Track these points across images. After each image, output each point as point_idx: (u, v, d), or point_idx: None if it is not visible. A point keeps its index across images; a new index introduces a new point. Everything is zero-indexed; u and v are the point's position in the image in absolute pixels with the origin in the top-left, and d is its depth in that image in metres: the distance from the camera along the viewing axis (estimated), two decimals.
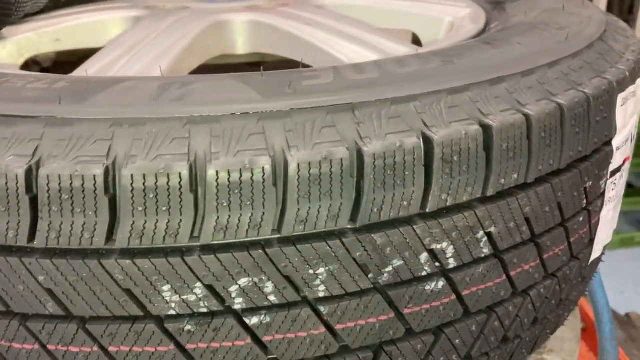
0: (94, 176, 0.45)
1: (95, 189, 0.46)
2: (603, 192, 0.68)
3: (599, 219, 0.70)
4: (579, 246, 0.68)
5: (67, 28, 0.86)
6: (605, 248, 0.79)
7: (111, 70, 0.69)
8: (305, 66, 0.70)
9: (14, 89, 0.53)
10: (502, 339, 0.65)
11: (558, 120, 0.57)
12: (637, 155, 3.61)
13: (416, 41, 1.06)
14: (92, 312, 0.49)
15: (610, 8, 4.46)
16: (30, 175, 0.46)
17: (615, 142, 0.67)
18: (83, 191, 0.46)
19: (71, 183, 0.46)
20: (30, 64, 1.01)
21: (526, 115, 0.55)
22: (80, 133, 0.48)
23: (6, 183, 0.46)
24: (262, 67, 0.57)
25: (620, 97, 0.65)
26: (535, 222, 0.59)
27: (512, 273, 0.60)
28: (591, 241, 0.71)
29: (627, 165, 0.75)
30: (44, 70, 1.09)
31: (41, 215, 0.46)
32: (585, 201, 0.65)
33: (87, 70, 0.68)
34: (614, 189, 0.72)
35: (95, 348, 0.51)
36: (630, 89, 0.68)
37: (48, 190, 0.46)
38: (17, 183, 0.46)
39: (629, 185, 3.81)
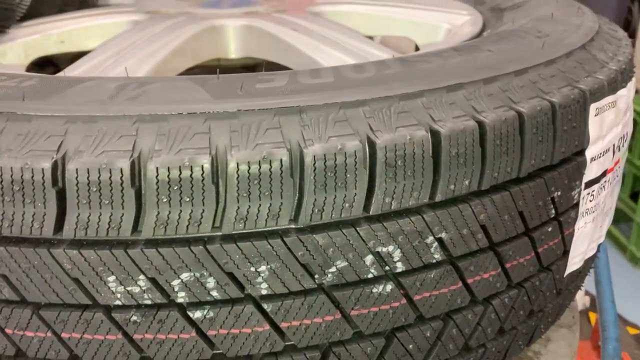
0: (42, 170, 0.48)
1: (44, 182, 0.48)
2: (577, 203, 0.67)
3: (573, 231, 0.69)
4: (549, 257, 0.67)
5: (72, 31, 0.91)
6: (588, 261, 0.77)
7: (95, 72, 0.72)
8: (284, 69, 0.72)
9: None
10: (464, 347, 0.64)
11: (517, 128, 0.57)
12: None
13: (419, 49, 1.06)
14: (44, 299, 0.52)
15: None
16: None
17: (589, 153, 0.66)
18: (33, 184, 0.48)
19: (22, 175, 0.48)
20: (46, 65, 1.06)
21: (480, 122, 0.55)
22: (37, 129, 0.51)
23: None
24: (218, 70, 0.59)
25: (593, 107, 0.64)
26: (493, 230, 0.59)
27: (470, 280, 0.60)
28: (565, 253, 0.70)
29: (611, 177, 0.73)
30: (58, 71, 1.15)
31: None
32: (554, 211, 0.64)
33: (73, 71, 0.71)
34: (592, 200, 0.70)
35: (49, 334, 0.53)
36: (608, 99, 0.67)
37: (1, 182, 0.49)
38: None
39: None
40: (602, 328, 1.18)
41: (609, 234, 3.61)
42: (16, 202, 0.49)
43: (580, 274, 0.78)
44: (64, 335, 0.53)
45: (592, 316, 2.13)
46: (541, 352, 0.97)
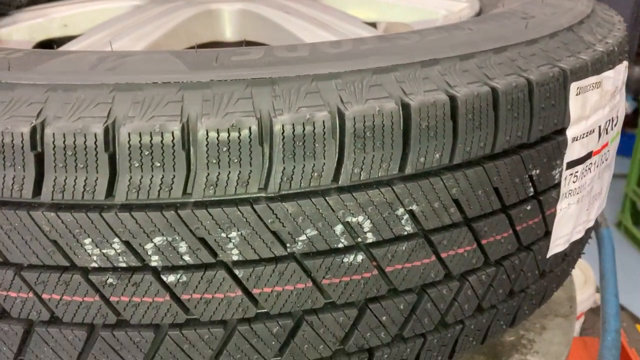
0: (22, 134, 0.50)
1: (23, 146, 0.50)
2: (558, 183, 0.67)
3: (555, 211, 0.69)
4: (529, 236, 0.67)
5: (75, 15, 0.93)
6: (575, 245, 0.77)
7: (87, 49, 0.75)
8: None
9: None
10: (440, 322, 0.65)
11: (490, 104, 0.57)
12: None
13: None
14: (25, 260, 0.54)
15: None
16: None
17: (570, 132, 0.66)
18: (13, 147, 0.50)
19: (2, 139, 0.50)
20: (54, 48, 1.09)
21: (451, 96, 0.55)
22: (19, 96, 0.53)
23: None
24: (196, 45, 0.60)
25: (574, 86, 0.64)
26: (467, 205, 0.59)
27: (444, 255, 0.60)
28: (547, 233, 0.70)
29: (597, 159, 0.73)
30: None
31: None
32: (532, 189, 0.64)
33: (67, 48, 0.74)
34: (576, 181, 0.70)
35: (31, 294, 0.56)
36: (592, 79, 0.67)
37: None
38: None
39: None
40: (602, 320, 1.17)
41: (630, 234, 3.55)
42: None
43: (566, 257, 0.78)
44: (44, 296, 0.56)
45: None
46: (535, 340, 0.97)
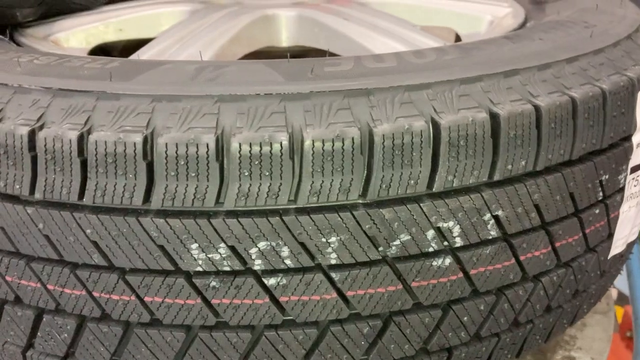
0: (134, 143, 0.52)
1: (135, 155, 0.52)
2: (622, 187, 0.70)
3: (618, 214, 0.71)
4: (595, 238, 0.70)
5: (130, 19, 0.95)
6: (630, 245, 0.80)
7: (162, 57, 0.77)
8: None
9: (73, 67, 0.61)
10: (513, 322, 0.68)
11: (570, 113, 0.60)
12: None
13: (460, 39, 1.09)
14: (130, 265, 0.56)
15: None
16: (82, 140, 0.53)
17: (635, 139, 0.69)
18: (125, 156, 0.52)
19: (115, 149, 0.52)
20: (98, 53, 1.11)
21: (536, 106, 0.58)
22: (126, 106, 0.55)
23: (61, 147, 0.53)
24: (288, 55, 0.62)
25: None
26: (546, 210, 0.62)
27: (522, 257, 0.63)
28: (610, 235, 0.72)
29: None
30: None
31: (90, 175, 0.54)
32: (601, 194, 0.67)
33: (142, 56, 0.76)
34: (637, 185, 0.73)
35: (133, 297, 0.58)
36: None
37: (96, 155, 0.53)
38: (70, 147, 0.53)
39: None
40: (634, 317, 1.21)
41: None
42: (109, 174, 0.53)
43: (622, 258, 0.80)
44: (146, 299, 0.58)
45: (618, 310, 2.15)
46: (577, 337, 1.00)
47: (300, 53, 1.06)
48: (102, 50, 1.10)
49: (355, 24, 0.85)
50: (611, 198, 0.69)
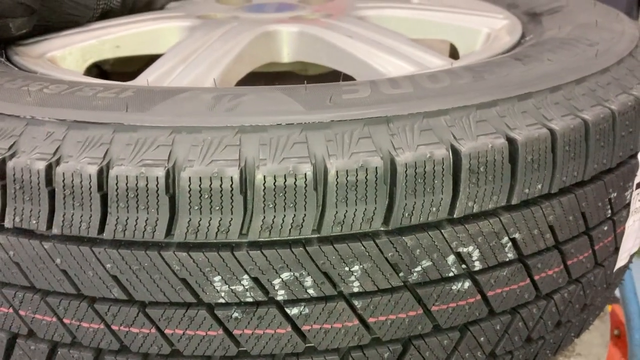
0: (157, 178, 0.51)
1: (157, 189, 0.52)
2: (628, 203, 0.71)
3: (624, 229, 0.73)
4: (603, 254, 0.71)
5: (127, 36, 0.94)
6: (632, 257, 0.82)
7: (168, 78, 0.76)
8: (347, 77, 0.76)
9: (86, 97, 0.60)
10: (526, 339, 0.69)
11: (583, 135, 0.61)
12: None
13: (454, 50, 1.10)
14: (151, 298, 0.56)
15: None
16: (102, 175, 0.52)
17: None
18: (147, 191, 0.52)
19: (136, 183, 0.52)
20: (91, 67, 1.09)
21: (551, 130, 0.58)
22: (144, 138, 0.54)
23: (80, 182, 0.53)
24: (305, 81, 0.62)
25: None
26: (559, 230, 0.63)
27: (536, 277, 0.64)
28: (616, 250, 0.74)
29: None
30: (102, 71, 1.18)
31: (110, 210, 0.53)
32: (610, 211, 0.68)
33: (147, 78, 0.75)
34: None
35: (153, 330, 0.57)
36: None
37: (117, 189, 0.52)
38: (90, 182, 0.52)
39: None
40: (626, 319, 1.23)
41: None
42: (130, 208, 0.52)
43: (625, 269, 0.82)
44: (167, 331, 0.57)
45: None
46: (576, 343, 1.02)
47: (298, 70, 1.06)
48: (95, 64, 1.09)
49: (358, 41, 0.85)
50: (618, 214, 0.70)
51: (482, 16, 1.03)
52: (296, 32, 0.91)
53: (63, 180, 0.53)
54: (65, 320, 0.59)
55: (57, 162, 0.54)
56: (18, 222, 0.55)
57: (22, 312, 0.60)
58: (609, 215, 0.68)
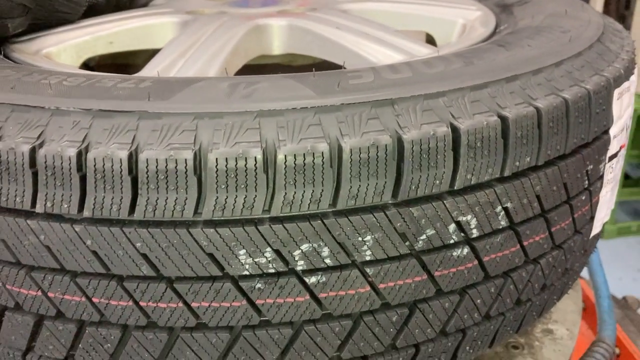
0: (185, 160, 0.55)
1: (186, 171, 0.56)
2: (602, 174, 0.79)
3: (598, 199, 0.80)
4: (581, 222, 0.78)
5: (120, 32, 0.96)
6: (604, 225, 0.89)
7: (172, 71, 0.79)
8: (339, 67, 0.81)
9: (106, 88, 0.63)
10: (516, 301, 0.75)
11: (564, 112, 0.67)
12: (633, 147, 3.72)
13: (429, 40, 1.16)
14: (179, 273, 0.60)
15: (608, 2, 4.58)
16: (132, 159, 0.56)
17: (612, 131, 0.77)
18: (176, 172, 0.56)
19: (166, 166, 0.56)
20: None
21: (537, 108, 0.65)
22: (169, 125, 0.58)
23: (111, 166, 0.56)
24: (313, 69, 0.67)
25: (616, 92, 0.75)
26: (545, 200, 0.69)
27: (525, 243, 0.70)
28: (592, 218, 0.81)
29: (623, 151, 0.85)
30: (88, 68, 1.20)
31: (140, 192, 0.57)
32: (587, 182, 0.75)
33: (152, 70, 0.78)
34: (612, 172, 0.82)
35: (180, 304, 0.61)
36: (625, 84, 0.78)
37: (147, 172, 0.56)
38: (120, 166, 0.56)
39: (625, 177, 3.93)
40: (595, 288, 1.32)
41: None
42: (160, 189, 0.56)
43: (598, 236, 0.89)
44: (193, 304, 0.61)
45: None
46: (552, 311, 1.09)
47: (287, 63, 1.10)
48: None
49: (346, 33, 0.90)
50: (594, 185, 0.77)
51: (457, 8, 1.09)
52: (286, 26, 0.95)
53: (94, 165, 0.56)
54: (94, 299, 0.62)
55: (87, 149, 0.57)
56: (49, 207, 0.59)
57: (50, 294, 0.63)
58: (586, 186, 0.75)
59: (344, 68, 0.72)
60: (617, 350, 1.58)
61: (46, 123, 0.60)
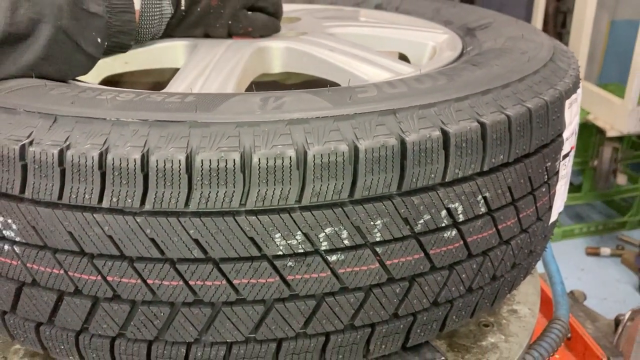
0: (234, 160, 0.68)
1: (234, 169, 0.68)
2: (558, 170, 0.95)
3: (555, 191, 0.96)
4: (542, 210, 0.94)
5: (135, 53, 1.07)
6: (559, 214, 1.06)
7: (196, 87, 0.91)
8: (332, 84, 0.95)
9: (156, 102, 0.75)
10: (492, 277, 0.90)
11: (528, 119, 0.83)
12: (575, 156, 4.00)
13: (402, 59, 1.32)
14: (225, 255, 0.71)
15: (546, 20, 4.91)
16: (188, 160, 0.68)
17: (565, 134, 0.94)
18: (226, 170, 0.68)
19: (217, 165, 0.68)
20: None
21: (507, 116, 0.80)
22: (216, 132, 0.70)
23: (171, 166, 0.68)
24: (328, 85, 0.80)
25: (567, 102, 0.92)
26: (515, 190, 0.84)
27: (500, 226, 0.85)
28: (550, 207, 0.97)
29: (573, 152, 1.02)
30: None
31: (195, 187, 0.69)
32: (546, 177, 0.91)
33: (179, 86, 0.90)
34: (565, 169, 0.98)
35: (224, 282, 0.73)
36: (573, 96, 0.95)
37: (201, 170, 0.68)
38: (179, 166, 0.68)
39: (569, 183, 4.20)
40: (549, 275, 1.49)
41: None
42: (212, 185, 0.69)
43: (555, 224, 1.06)
44: (235, 281, 0.73)
45: None
46: (515, 294, 1.25)
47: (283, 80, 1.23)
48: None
49: (338, 54, 1.04)
50: (551, 179, 0.93)
51: (428, 32, 1.25)
52: (284, 48, 1.09)
53: (156, 166, 0.68)
54: (149, 281, 0.73)
55: (148, 152, 0.69)
56: (115, 202, 0.70)
57: (109, 278, 0.74)
58: (545, 180, 0.91)
59: (339, 85, 0.86)
60: (569, 334, 1.77)
61: (109, 132, 0.71)
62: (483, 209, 0.81)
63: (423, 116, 0.76)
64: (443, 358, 0.86)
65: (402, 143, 0.73)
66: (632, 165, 4.31)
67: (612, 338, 1.96)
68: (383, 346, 0.84)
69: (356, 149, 0.71)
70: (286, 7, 1.29)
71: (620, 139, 3.90)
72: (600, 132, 3.80)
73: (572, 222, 4.27)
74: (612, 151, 3.91)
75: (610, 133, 3.66)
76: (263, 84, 1.20)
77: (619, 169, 4.01)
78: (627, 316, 1.92)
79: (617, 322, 2.04)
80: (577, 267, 3.82)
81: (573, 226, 4.12)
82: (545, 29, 4.96)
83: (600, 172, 3.99)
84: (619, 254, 3.90)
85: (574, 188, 4.33)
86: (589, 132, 3.97)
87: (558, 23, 5.34)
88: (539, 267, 1.55)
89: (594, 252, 3.94)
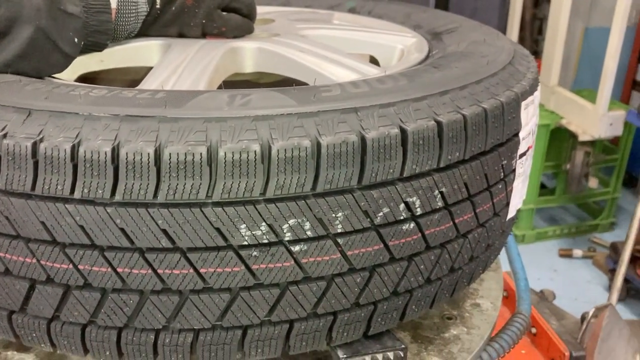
0: (200, 153, 0.71)
1: (201, 162, 0.72)
2: (514, 168, 1.00)
3: (512, 188, 1.01)
4: (499, 206, 0.99)
5: (110, 52, 1.10)
6: (518, 211, 1.11)
7: (167, 85, 0.95)
8: (302, 84, 0.99)
9: (128, 98, 0.78)
10: (450, 269, 0.94)
11: (483, 118, 0.88)
12: (548, 159, 4.09)
13: (373, 61, 1.36)
14: (192, 245, 0.75)
15: (523, 28, 5.01)
16: (157, 153, 0.71)
17: (521, 134, 0.98)
18: (193, 163, 0.72)
19: (185, 158, 0.71)
20: None
21: (463, 115, 0.85)
22: (184, 127, 0.74)
23: (140, 159, 0.71)
24: (294, 84, 0.84)
25: (523, 104, 0.97)
26: (471, 186, 0.89)
27: (457, 220, 0.90)
28: (508, 204, 1.02)
29: (531, 151, 1.07)
30: None
31: (163, 179, 0.72)
32: (503, 174, 0.96)
33: (150, 84, 0.94)
34: (522, 167, 1.03)
35: (191, 270, 0.76)
36: (530, 98, 1.00)
37: (169, 163, 0.71)
38: (148, 159, 0.71)
39: (542, 186, 4.29)
40: (513, 272, 1.54)
41: None
42: (179, 177, 0.72)
43: (513, 220, 1.11)
44: (202, 270, 0.77)
45: None
46: (478, 289, 1.30)
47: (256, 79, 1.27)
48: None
49: (308, 55, 1.08)
50: (508, 177, 0.98)
51: (396, 35, 1.30)
52: (256, 48, 1.12)
53: (126, 159, 0.72)
54: (119, 270, 0.76)
55: (119, 146, 0.72)
56: (86, 193, 0.73)
57: (80, 267, 0.77)
58: (502, 177, 0.96)
59: (308, 84, 0.89)
60: (534, 330, 1.83)
61: (81, 126, 0.74)
62: (440, 203, 0.86)
63: (383, 115, 0.80)
64: (403, 346, 0.91)
65: (363, 140, 0.77)
66: (604, 169, 4.41)
67: (577, 335, 2.03)
68: (345, 334, 0.87)
69: (319, 145, 0.75)
70: (261, 9, 1.33)
71: (592, 143, 4.00)
72: (573, 136, 3.89)
73: (546, 224, 4.36)
74: (584, 155, 4.00)
75: (583, 137, 3.75)
76: (237, 83, 1.23)
77: (590, 172, 4.10)
78: (591, 313, 1.99)
79: (583, 319, 2.11)
80: (550, 268, 3.90)
81: (547, 228, 4.21)
82: (522, 35, 5.07)
83: (572, 175, 4.09)
84: (591, 255, 3.99)
85: (547, 191, 4.43)
86: (562, 136, 4.06)
87: (535, 29, 5.45)
88: (505, 264, 1.61)
89: (566, 254, 4.03)
